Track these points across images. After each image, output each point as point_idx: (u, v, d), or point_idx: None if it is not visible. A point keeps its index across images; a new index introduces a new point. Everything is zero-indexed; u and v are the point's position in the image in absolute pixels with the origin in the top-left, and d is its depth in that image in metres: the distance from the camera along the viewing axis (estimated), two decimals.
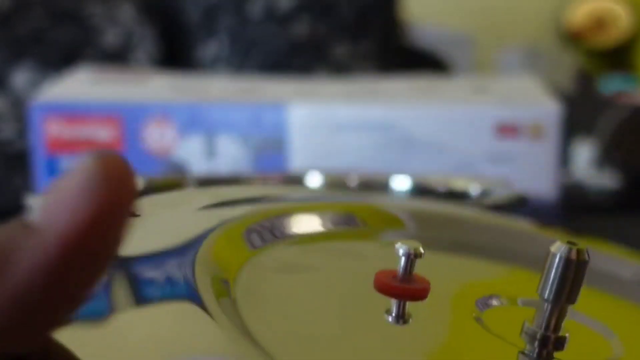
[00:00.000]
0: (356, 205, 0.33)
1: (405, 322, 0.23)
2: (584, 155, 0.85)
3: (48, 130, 0.58)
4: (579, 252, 0.21)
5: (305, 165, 0.58)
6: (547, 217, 0.54)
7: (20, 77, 1.03)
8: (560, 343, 0.22)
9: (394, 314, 0.23)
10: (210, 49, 1.20)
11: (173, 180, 0.54)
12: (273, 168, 0.58)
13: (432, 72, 1.24)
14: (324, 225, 0.30)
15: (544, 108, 0.57)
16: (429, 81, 0.66)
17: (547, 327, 0.22)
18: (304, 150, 0.58)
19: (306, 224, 0.29)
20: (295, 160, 0.58)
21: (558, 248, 0.21)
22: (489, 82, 0.65)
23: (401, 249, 0.23)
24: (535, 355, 0.22)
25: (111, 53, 1.09)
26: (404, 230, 0.32)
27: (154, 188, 0.52)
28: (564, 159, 0.85)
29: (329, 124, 0.58)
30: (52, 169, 0.59)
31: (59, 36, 1.07)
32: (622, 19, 1.93)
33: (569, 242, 0.21)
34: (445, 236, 0.32)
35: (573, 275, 0.21)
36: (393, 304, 0.23)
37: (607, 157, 0.82)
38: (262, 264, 0.25)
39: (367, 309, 0.23)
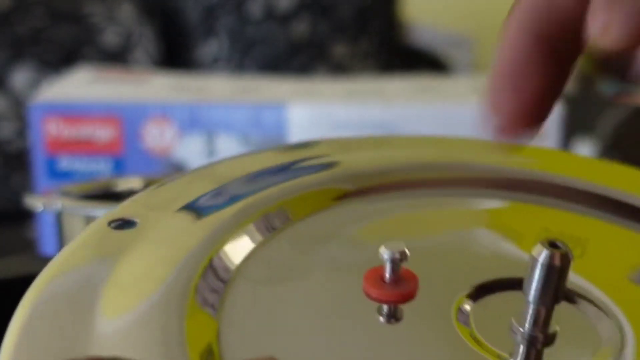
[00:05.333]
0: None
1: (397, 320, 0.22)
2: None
3: (47, 130, 0.58)
4: (562, 257, 0.20)
5: None
6: None
7: (20, 77, 1.03)
8: (549, 340, 0.22)
9: (384, 314, 0.23)
10: (209, 48, 1.20)
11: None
12: None
13: (431, 72, 1.24)
14: None
15: None
16: (428, 81, 0.66)
17: (534, 326, 0.21)
18: None
19: None
20: None
21: (539, 253, 0.20)
22: None
23: (385, 254, 0.22)
24: (524, 356, 0.21)
25: (111, 53, 1.09)
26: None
27: None
28: None
29: (328, 124, 0.58)
30: (52, 169, 0.59)
31: (58, 36, 1.07)
32: None
33: (551, 245, 0.20)
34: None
35: (557, 278, 0.21)
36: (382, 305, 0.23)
37: (607, 157, 0.82)
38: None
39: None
